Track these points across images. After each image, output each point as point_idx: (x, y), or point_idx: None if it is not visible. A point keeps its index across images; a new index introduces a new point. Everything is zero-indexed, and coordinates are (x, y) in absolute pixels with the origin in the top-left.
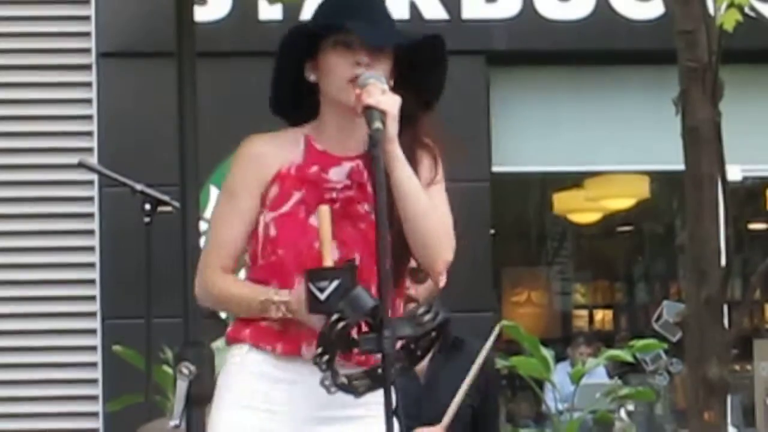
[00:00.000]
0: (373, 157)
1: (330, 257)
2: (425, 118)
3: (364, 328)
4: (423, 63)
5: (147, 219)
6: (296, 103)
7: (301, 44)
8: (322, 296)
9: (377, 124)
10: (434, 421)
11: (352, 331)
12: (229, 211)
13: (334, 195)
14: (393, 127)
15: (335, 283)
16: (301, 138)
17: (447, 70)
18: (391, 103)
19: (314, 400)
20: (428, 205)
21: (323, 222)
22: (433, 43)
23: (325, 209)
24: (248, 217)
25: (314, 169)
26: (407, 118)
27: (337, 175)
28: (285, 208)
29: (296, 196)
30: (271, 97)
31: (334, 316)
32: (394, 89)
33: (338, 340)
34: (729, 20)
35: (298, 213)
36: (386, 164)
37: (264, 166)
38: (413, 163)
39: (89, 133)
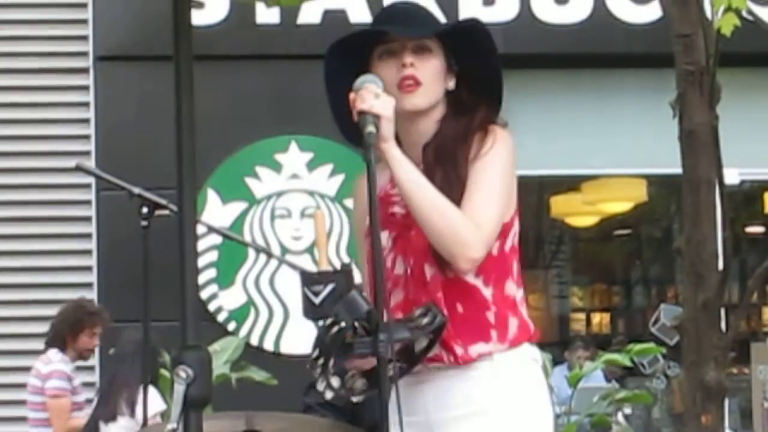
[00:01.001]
0: (366, 162)
1: (325, 261)
2: (485, 109)
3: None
4: (469, 54)
5: (144, 222)
6: None
7: (348, 67)
8: (317, 300)
9: (370, 128)
10: None
11: (348, 334)
12: (359, 247)
13: (394, 209)
14: (387, 128)
15: (330, 287)
16: None
17: (495, 57)
18: (384, 105)
19: (440, 402)
20: (434, 207)
21: (318, 226)
22: (470, 29)
23: (319, 214)
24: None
25: (389, 186)
26: (468, 108)
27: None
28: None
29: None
30: (344, 132)
31: (329, 320)
32: (458, 84)
33: (333, 343)
34: (726, 24)
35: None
36: (388, 164)
37: (360, 204)
38: (468, 144)
39: (86, 137)
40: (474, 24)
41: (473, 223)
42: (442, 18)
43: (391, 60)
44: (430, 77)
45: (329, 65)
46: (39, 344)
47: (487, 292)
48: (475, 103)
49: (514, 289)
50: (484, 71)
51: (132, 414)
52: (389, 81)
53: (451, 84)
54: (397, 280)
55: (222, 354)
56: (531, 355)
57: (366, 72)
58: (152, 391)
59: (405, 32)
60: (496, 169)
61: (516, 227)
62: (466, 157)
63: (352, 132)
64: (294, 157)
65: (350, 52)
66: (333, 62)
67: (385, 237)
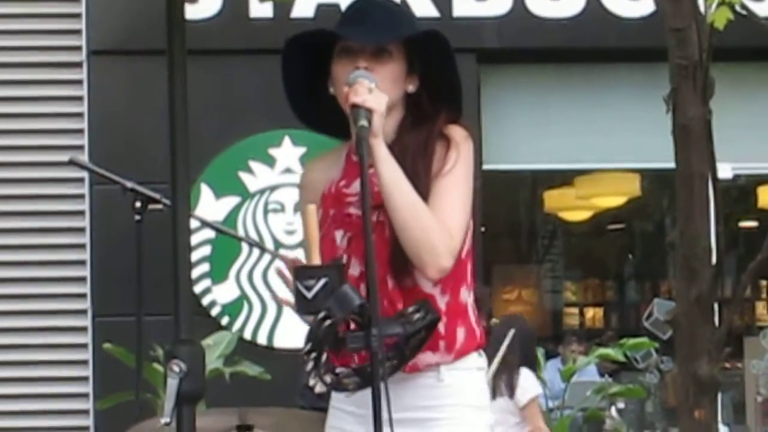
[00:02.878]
0: (358, 155)
1: (317, 256)
2: (445, 115)
3: (353, 327)
4: (431, 59)
5: (138, 217)
6: (332, 114)
7: (310, 58)
8: (309, 295)
9: (362, 122)
10: None
11: (340, 329)
12: (305, 237)
13: (351, 210)
14: (379, 123)
15: (322, 282)
16: (344, 151)
17: (455, 65)
18: (377, 101)
19: (393, 402)
20: (413, 211)
21: (309, 221)
22: (431, 38)
23: (311, 208)
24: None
25: (342, 183)
26: (428, 116)
27: (356, 186)
28: (323, 230)
29: (330, 214)
30: (299, 116)
31: (321, 314)
32: (419, 92)
33: (325, 338)
34: (720, 18)
35: (330, 233)
36: (373, 161)
37: (312, 193)
38: (428, 156)
39: (80, 131)
40: (435, 33)
41: (447, 232)
42: (430, 11)
43: (348, 59)
44: (385, 82)
45: (288, 53)
46: (31, 338)
47: (442, 302)
48: (435, 109)
49: (466, 295)
50: (445, 77)
51: (511, 395)
52: (342, 79)
53: (412, 87)
54: (354, 282)
55: (215, 348)
56: (476, 365)
57: (325, 63)
58: (529, 374)
59: (360, 38)
60: (461, 183)
61: (470, 228)
62: (427, 171)
63: (308, 115)
64: (287, 151)
65: (311, 43)
66: (292, 50)
67: (339, 236)
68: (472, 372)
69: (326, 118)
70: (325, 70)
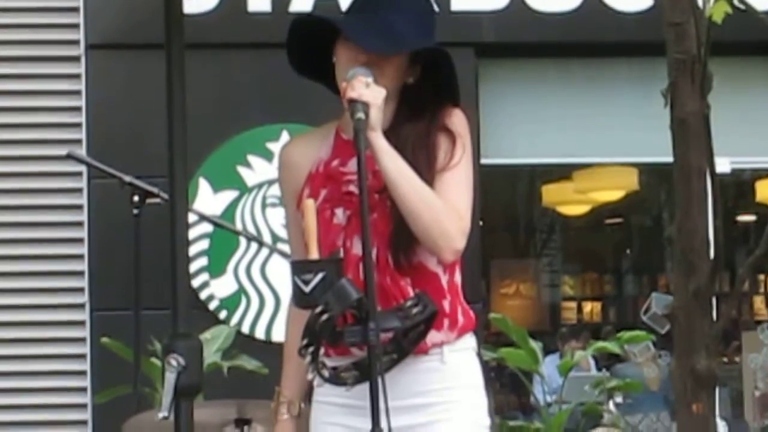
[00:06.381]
0: (356, 149)
1: (315, 250)
2: (446, 109)
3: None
4: (432, 62)
5: (136, 211)
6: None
7: (322, 29)
8: (307, 288)
9: (359, 115)
10: None
11: (338, 322)
12: (288, 219)
13: (351, 188)
14: (376, 116)
15: (320, 276)
16: (333, 130)
17: (455, 72)
18: (373, 95)
19: (397, 389)
20: (420, 198)
21: (308, 216)
22: (432, 52)
23: (310, 203)
24: (299, 223)
25: (335, 163)
26: (426, 106)
27: (355, 165)
28: (317, 209)
29: (322, 194)
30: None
31: (319, 308)
32: (419, 81)
33: (323, 331)
34: (718, 12)
35: (323, 212)
36: (373, 153)
37: (295, 173)
38: (429, 148)
39: (78, 125)
40: (442, 51)
41: (456, 214)
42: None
43: (354, 46)
44: (385, 77)
45: (299, 22)
46: (29, 332)
47: (444, 280)
48: (434, 101)
49: (459, 277)
50: (445, 76)
51: None
52: (343, 65)
53: (411, 79)
54: (356, 261)
55: (213, 342)
56: (472, 345)
57: (330, 36)
58: None
59: (365, 43)
60: (466, 173)
61: None
62: (429, 163)
63: (304, 66)
64: None
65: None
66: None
67: (340, 213)
68: (470, 352)
69: (320, 68)
70: (333, 34)
